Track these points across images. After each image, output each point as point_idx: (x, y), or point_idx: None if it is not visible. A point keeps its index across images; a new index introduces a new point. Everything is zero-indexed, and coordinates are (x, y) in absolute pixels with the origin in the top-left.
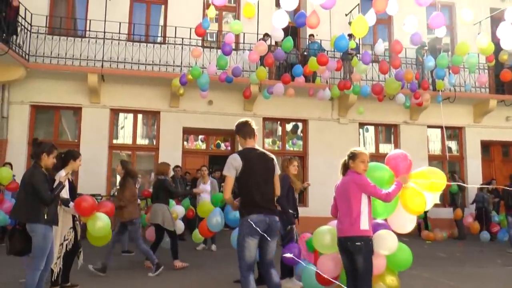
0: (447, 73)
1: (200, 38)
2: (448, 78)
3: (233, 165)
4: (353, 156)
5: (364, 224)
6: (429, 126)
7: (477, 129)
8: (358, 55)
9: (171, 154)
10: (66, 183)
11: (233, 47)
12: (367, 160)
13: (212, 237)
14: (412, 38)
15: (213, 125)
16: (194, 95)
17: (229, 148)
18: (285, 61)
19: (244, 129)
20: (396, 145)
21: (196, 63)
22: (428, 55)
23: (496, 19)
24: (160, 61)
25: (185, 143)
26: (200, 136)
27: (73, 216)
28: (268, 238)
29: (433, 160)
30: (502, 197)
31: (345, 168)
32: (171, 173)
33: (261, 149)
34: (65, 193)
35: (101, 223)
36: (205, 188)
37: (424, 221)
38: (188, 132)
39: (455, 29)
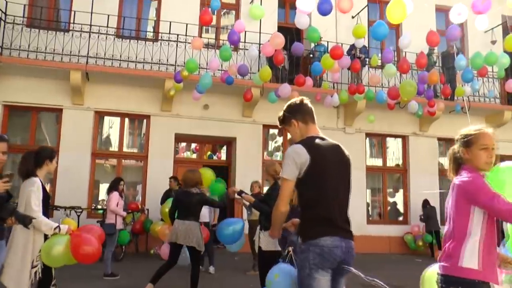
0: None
1: (197, 35)
2: (471, 83)
3: (296, 162)
4: (467, 141)
5: (469, 259)
6: (439, 139)
7: None
8: (367, 58)
9: (161, 163)
10: (40, 192)
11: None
12: (492, 146)
13: (209, 257)
14: (450, 32)
15: (208, 131)
16: (188, 98)
17: (222, 157)
18: (289, 62)
19: (303, 109)
20: (405, 158)
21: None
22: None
23: (505, 28)
24: (152, 59)
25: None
26: (192, 145)
27: (46, 236)
28: (342, 273)
29: (443, 175)
30: None
31: (457, 163)
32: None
33: (329, 139)
34: (35, 205)
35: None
36: None
37: (436, 240)
38: (180, 139)
39: (466, 36)
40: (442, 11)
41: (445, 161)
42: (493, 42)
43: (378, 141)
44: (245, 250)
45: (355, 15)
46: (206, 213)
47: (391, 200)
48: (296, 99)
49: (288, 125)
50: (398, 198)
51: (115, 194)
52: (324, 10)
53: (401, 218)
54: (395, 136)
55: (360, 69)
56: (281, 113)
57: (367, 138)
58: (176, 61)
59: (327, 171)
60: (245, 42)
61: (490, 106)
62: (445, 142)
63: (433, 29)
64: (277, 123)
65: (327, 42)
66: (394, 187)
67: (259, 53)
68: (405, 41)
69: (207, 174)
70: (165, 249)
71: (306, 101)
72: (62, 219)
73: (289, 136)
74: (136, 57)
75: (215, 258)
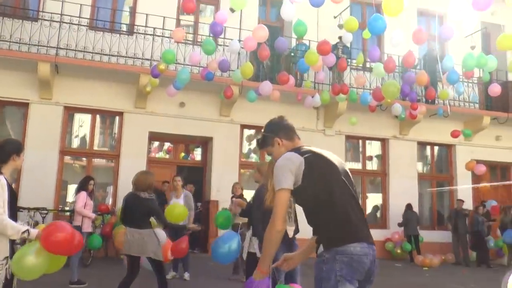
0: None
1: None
2: (456, 86)
3: (291, 169)
4: None
5: None
6: (419, 142)
7: (468, 148)
8: (350, 59)
9: (134, 162)
10: (5, 191)
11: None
12: None
13: (184, 263)
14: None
15: (184, 131)
16: (164, 95)
17: (197, 158)
18: (269, 60)
19: (285, 125)
20: (384, 161)
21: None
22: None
23: (486, 35)
24: (126, 53)
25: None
26: (166, 144)
27: (13, 242)
28: (367, 285)
29: (422, 179)
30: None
31: None
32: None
33: None
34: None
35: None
36: (179, 203)
37: (415, 244)
38: (155, 138)
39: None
40: (424, 16)
41: (424, 166)
42: (472, 48)
43: (358, 144)
44: None
45: (337, 15)
46: None
47: (370, 204)
48: (273, 118)
49: (270, 146)
50: (378, 201)
51: (83, 194)
52: (316, 1)
53: (380, 223)
54: (375, 139)
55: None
56: (259, 136)
57: (347, 141)
58: (152, 56)
59: (329, 168)
60: (224, 38)
61: (469, 111)
62: (425, 146)
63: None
64: (255, 123)
65: (309, 41)
66: (373, 191)
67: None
68: (397, 38)
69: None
70: None
71: (285, 118)
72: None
73: (267, 158)
74: (110, 50)
75: (194, 264)
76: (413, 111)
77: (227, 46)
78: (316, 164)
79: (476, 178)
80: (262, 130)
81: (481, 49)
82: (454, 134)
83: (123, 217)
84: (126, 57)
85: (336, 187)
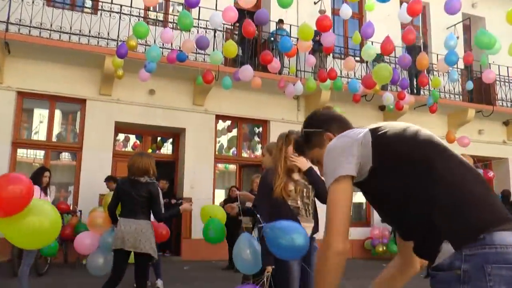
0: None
1: (143, 8)
2: (449, 74)
3: (351, 149)
4: None
5: None
6: None
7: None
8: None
9: (98, 156)
10: None
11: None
12: None
13: (155, 268)
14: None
15: (154, 121)
16: (131, 81)
17: (168, 151)
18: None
19: (340, 118)
20: None
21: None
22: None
23: (466, 26)
24: (89, 32)
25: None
26: (131, 139)
27: None
28: None
29: None
30: None
31: None
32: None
33: None
34: None
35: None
36: None
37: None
38: (121, 128)
39: (429, 32)
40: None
41: None
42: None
43: None
44: (194, 257)
45: (318, 1)
46: None
47: (354, 200)
48: (317, 109)
49: (318, 147)
50: (362, 198)
51: (35, 189)
52: None
53: (363, 220)
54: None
55: (325, 58)
56: (299, 136)
57: None
58: (118, 36)
59: (413, 133)
60: (198, 19)
61: (454, 103)
62: None
63: (397, 21)
64: (232, 114)
65: (290, 25)
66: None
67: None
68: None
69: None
70: (82, 240)
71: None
72: None
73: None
74: (71, 28)
75: (167, 271)
76: (400, 101)
77: (202, 27)
78: (392, 132)
79: None
80: (303, 127)
81: (463, 41)
82: (450, 139)
83: (115, 205)
84: (89, 36)
85: (455, 162)
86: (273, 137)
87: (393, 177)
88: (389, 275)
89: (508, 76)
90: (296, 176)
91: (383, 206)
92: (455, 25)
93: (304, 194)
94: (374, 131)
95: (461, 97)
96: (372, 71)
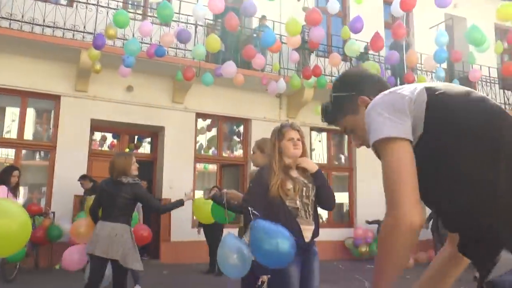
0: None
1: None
2: (436, 72)
3: (405, 110)
4: None
5: None
6: None
7: None
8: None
9: (73, 155)
10: None
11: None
12: None
13: (133, 272)
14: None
15: (131, 118)
16: (108, 76)
17: (146, 150)
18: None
19: (375, 78)
20: (350, 156)
21: None
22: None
23: (448, 26)
24: (64, 24)
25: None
26: (108, 138)
27: None
28: None
29: None
30: None
31: None
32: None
33: None
34: None
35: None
36: None
37: None
38: (98, 126)
39: (412, 32)
40: (389, 4)
41: None
42: None
43: (323, 136)
44: (173, 261)
45: None
46: None
47: (337, 201)
48: (348, 69)
49: (351, 113)
50: (344, 199)
51: (2, 189)
52: None
53: (347, 221)
54: (341, 132)
55: (309, 55)
56: (327, 103)
57: (312, 133)
58: (95, 30)
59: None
60: (179, 13)
61: None
62: None
63: (381, 20)
64: (213, 112)
65: (273, 21)
66: (340, 187)
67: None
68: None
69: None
70: (71, 255)
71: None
72: None
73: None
74: (44, 20)
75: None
76: None
77: (183, 22)
78: (453, 93)
79: None
80: (331, 92)
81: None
82: None
83: (96, 207)
84: (64, 29)
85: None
86: (255, 136)
87: (445, 150)
88: (439, 270)
89: (489, 76)
90: (294, 173)
91: (426, 183)
92: (438, 25)
93: (304, 194)
94: (430, 90)
95: None
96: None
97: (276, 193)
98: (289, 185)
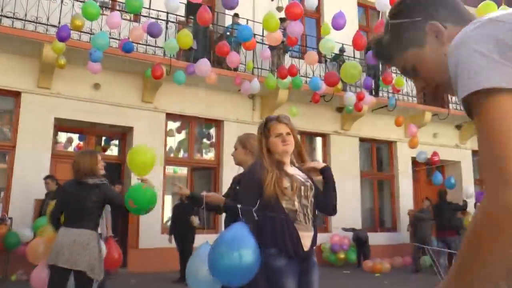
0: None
1: None
2: None
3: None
4: None
5: None
6: (361, 139)
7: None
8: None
9: (34, 156)
10: None
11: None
12: None
13: (99, 284)
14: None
15: (98, 118)
16: (74, 73)
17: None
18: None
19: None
20: (325, 158)
21: None
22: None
23: None
24: (26, 15)
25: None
26: (75, 139)
27: None
28: None
29: (364, 177)
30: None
31: None
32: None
33: None
34: None
35: None
36: None
37: (361, 248)
38: (61, 126)
39: None
40: (363, 7)
41: (364, 163)
42: None
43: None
44: (141, 269)
45: None
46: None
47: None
48: None
49: (417, 45)
50: None
51: None
52: None
53: (321, 226)
54: (315, 134)
55: (283, 55)
56: (380, 34)
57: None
58: (59, 22)
59: None
60: (149, 8)
61: (412, 106)
62: (366, 142)
63: (355, 23)
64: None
65: (247, 20)
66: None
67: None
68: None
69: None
70: (39, 274)
71: None
72: None
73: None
74: (2, 10)
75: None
76: (360, 102)
77: (153, 18)
78: None
79: (416, 177)
80: (388, 18)
81: None
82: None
83: (57, 212)
84: (25, 20)
85: None
86: (227, 138)
87: None
88: None
89: None
90: (290, 169)
91: None
92: None
93: (302, 194)
94: None
95: (416, 99)
96: (341, 69)
97: (272, 192)
98: (286, 183)
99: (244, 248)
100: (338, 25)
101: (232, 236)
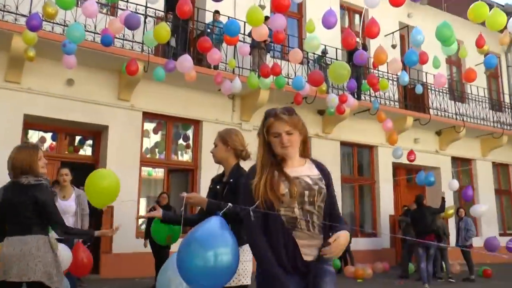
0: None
1: None
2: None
3: None
4: None
5: None
6: (342, 142)
7: (390, 150)
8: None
9: (2, 155)
10: None
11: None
12: None
13: None
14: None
15: (71, 116)
16: (46, 67)
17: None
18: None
19: None
20: None
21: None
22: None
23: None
24: None
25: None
26: (48, 139)
27: None
28: None
29: (344, 182)
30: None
31: None
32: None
33: None
34: None
35: None
36: (67, 207)
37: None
38: (32, 123)
39: (368, 39)
40: (345, 8)
41: (345, 168)
42: (393, 46)
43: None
44: (115, 275)
45: None
46: (69, 224)
47: None
48: None
49: None
50: None
51: None
52: None
53: None
54: None
55: (265, 55)
56: None
57: None
58: (30, 11)
59: None
60: (127, 1)
61: (394, 110)
62: (347, 146)
63: (338, 25)
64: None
65: (228, 17)
66: None
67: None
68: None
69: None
70: None
71: None
72: None
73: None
74: None
75: None
76: (341, 105)
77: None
78: None
79: (396, 182)
80: None
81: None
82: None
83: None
84: None
85: None
86: (205, 139)
87: None
88: None
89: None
90: (295, 169)
91: None
92: (393, 32)
93: (306, 199)
94: None
95: (398, 104)
96: (329, 69)
97: (262, 198)
98: (283, 189)
99: (220, 246)
100: (329, 23)
101: (206, 232)
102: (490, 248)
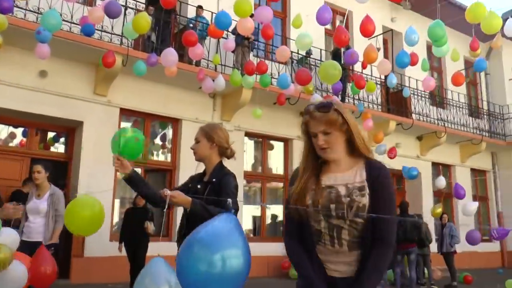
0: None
1: None
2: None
3: None
4: None
5: None
6: None
7: (373, 149)
8: (257, 41)
9: None
10: None
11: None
12: None
13: None
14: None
15: (44, 110)
16: (17, 57)
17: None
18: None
19: None
20: (287, 165)
21: None
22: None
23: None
24: None
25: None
26: (18, 135)
27: None
28: None
29: None
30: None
31: None
32: None
33: None
34: None
35: None
36: (38, 207)
37: None
38: (2, 118)
39: (352, 42)
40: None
41: None
42: (378, 49)
43: (259, 143)
44: (86, 280)
45: None
46: (39, 225)
47: (270, 213)
48: None
49: None
50: (279, 210)
51: None
52: None
53: (281, 235)
54: (277, 139)
55: (248, 53)
56: None
57: (246, 138)
58: None
59: None
60: None
61: (377, 114)
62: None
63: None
64: (139, 109)
65: (211, 13)
66: (274, 199)
67: None
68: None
69: None
70: None
71: None
72: None
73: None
74: None
75: None
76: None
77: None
78: None
79: None
80: None
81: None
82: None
83: None
84: None
85: None
86: (184, 138)
87: None
88: None
89: (422, 91)
90: (332, 176)
91: None
92: (377, 36)
93: (333, 213)
94: None
95: (381, 108)
96: (319, 69)
97: (296, 203)
98: (308, 200)
99: (228, 248)
100: (323, 19)
101: (212, 231)
102: (472, 241)
